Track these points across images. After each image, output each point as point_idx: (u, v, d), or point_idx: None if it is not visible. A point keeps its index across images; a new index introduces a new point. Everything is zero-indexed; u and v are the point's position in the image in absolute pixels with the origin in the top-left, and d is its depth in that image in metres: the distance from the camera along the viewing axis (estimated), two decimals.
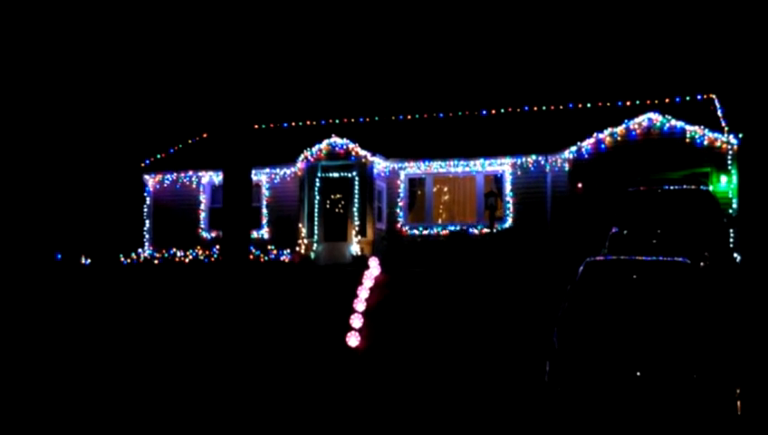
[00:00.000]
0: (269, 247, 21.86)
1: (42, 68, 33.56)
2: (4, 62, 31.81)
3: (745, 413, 8.62)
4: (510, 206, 22.04)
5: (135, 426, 10.59)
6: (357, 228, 22.06)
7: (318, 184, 22.64)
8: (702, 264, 13.79)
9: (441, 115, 26.61)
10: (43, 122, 33.56)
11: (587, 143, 20.72)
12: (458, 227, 22.36)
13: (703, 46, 34.48)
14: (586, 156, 20.75)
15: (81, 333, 15.81)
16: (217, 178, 23.85)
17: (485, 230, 21.34)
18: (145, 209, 24.97)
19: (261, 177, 23.68)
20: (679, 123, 20.08)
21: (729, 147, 19.67)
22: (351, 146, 22.41)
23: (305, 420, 10.60)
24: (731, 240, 17.49)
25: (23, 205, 27.72)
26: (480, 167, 22.52)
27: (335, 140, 22.60)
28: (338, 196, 22.66)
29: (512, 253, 20.16)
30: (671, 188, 16.09)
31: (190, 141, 27.54)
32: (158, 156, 25.98)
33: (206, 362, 13.52)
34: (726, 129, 20.29)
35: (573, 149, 20.86)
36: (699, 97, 23.79)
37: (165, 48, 34.90)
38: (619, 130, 20.49)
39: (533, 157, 21.83)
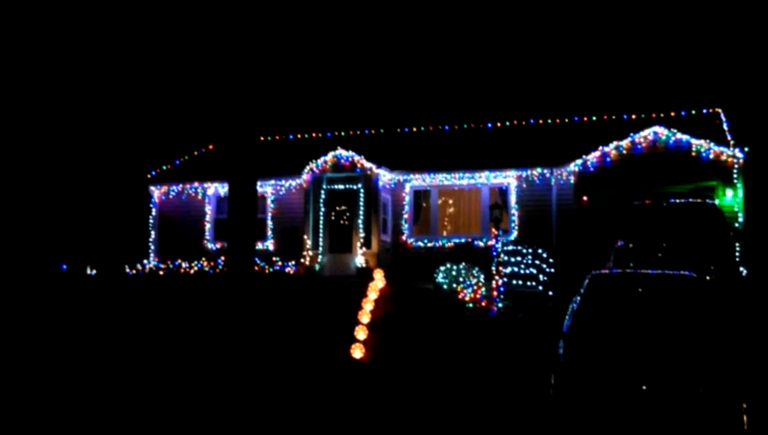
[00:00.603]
0: (274, 259, 21.88)
1: (49, 78, 33.74)
2: (11, 71, 31.98)
3: (752, 428, 8.56)
4: (515, 218, 22.03)
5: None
6: (362, 240, 22.06)
7: (323, 196, 22.67)
8: (708, 277, 13.74)
9: (446, 128, 26.65)
10: (50, 133, 33.70)
11: (592, 156, 20.72)
12: (463, 240, 22.36)
13: (709, 60, 34.52)
14: (591, 169, 20.74)
15: (85, 344, 15.81)
16: (223, 189, 23.91)
17: (491, 243, 21.31)
18: (150, 220, 25.04)
19: (266, 188, 23.74)
20: (685, 137, 20.07)
21: (735, 161, 19.65)
22: (357, 158, 22.45)
23: (309, 431, 10.57)
24: (737, 254, 17.44)
25: (29, 215, 27.80)
26: (485, 179, 22.54)
27: (340, 152, 22.64)
28: (343, 208, 22.68)
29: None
30: (677, 201, 16.06)
31: (196, 153, 27.63)
32: (164, 167, 26.06)
33: (210, 373, 13.51)
34: (732, 142, 20.28)
35: (579, 162, 20.86)
36: (705, 111, 23.79)
37: (172, 59, 35.07)
38: (625, 143, 20.49)
39: (539, 169, 21.85)
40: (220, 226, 24.31)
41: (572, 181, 21.10)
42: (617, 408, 8.54)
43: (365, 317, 15.93)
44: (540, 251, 18.68)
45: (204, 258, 22.50)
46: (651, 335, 9.04)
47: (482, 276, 18.35)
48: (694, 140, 19.96)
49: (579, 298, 9.90)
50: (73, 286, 20.31)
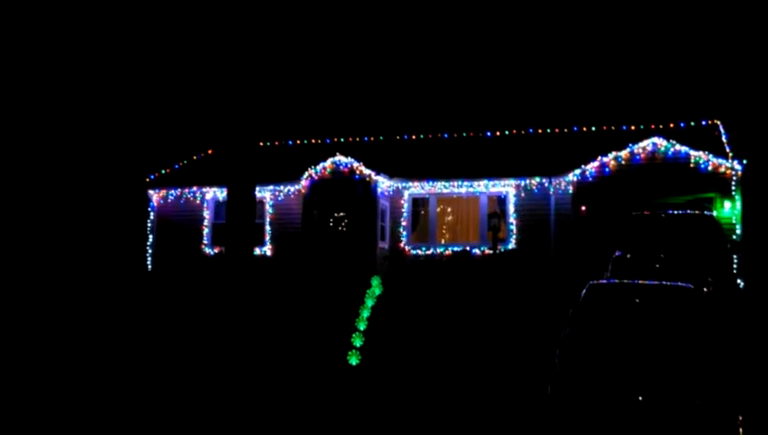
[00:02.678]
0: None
1: (50, 81, 33.75)
2: (11, 74, 31.99)
3: None
4: (513, 227, 22.04)
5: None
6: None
7: (321, 202, 22.65)
8: (705, 289, 13.74)
9: (446, 136, 26.68)
10: (50, 136, 33.69)
11: (591, 166, 20.75)
12: (461, 248, 22.36)
13: (708, 72, 34.61)
14: (590, 179, 20.77)
15: (82, 347, 15.79)
16: (221, 194, 23.91)
17: (488, 251, 21.32)
18: (148, 224, 25.02)
19: (265, 194, 23.73)
20: (684, 148, 20.10)
21: (733, 172, 19.68)
22: (356, 165, 22.46)
23: None
24: (734, 266, 17.45)
25: (27, 219, 27.77)
26: (484, 188, 22.55)
27: (340, 158, 22.65)
28: (341, 214, 22.68)
29: (515, 274, 20.12)
30: (675, 212, 16.10)
31: (195, 157, 27.63)
32: (163, 171, 26.05)
33: (206, 381, 13.48)
34: (731, 154, 20.32)
35: (577, 172, 20.89)
36: (704, 122, 23.84)
37: (172, 64, 35.10)
38: (624, 154, 20.52)
39: (537, 179, 21.86)
40: (218, 231, 24.30)
41: (571, 191, 21.12)
42: (613, 418, 8.53)
43: (362, 324, 15.92)
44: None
45: (201, 263, 22.46)
46: (648, 346, 9.04)
47: None
48: (692, 152, 20.00)
49: (576, 308, 9.91)
50: (70, 290, 20.28)
